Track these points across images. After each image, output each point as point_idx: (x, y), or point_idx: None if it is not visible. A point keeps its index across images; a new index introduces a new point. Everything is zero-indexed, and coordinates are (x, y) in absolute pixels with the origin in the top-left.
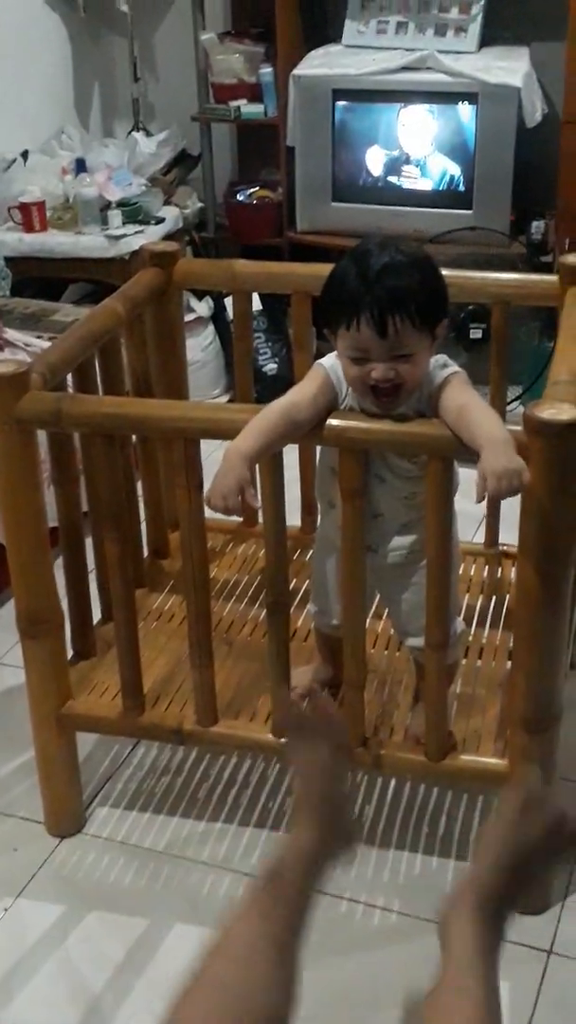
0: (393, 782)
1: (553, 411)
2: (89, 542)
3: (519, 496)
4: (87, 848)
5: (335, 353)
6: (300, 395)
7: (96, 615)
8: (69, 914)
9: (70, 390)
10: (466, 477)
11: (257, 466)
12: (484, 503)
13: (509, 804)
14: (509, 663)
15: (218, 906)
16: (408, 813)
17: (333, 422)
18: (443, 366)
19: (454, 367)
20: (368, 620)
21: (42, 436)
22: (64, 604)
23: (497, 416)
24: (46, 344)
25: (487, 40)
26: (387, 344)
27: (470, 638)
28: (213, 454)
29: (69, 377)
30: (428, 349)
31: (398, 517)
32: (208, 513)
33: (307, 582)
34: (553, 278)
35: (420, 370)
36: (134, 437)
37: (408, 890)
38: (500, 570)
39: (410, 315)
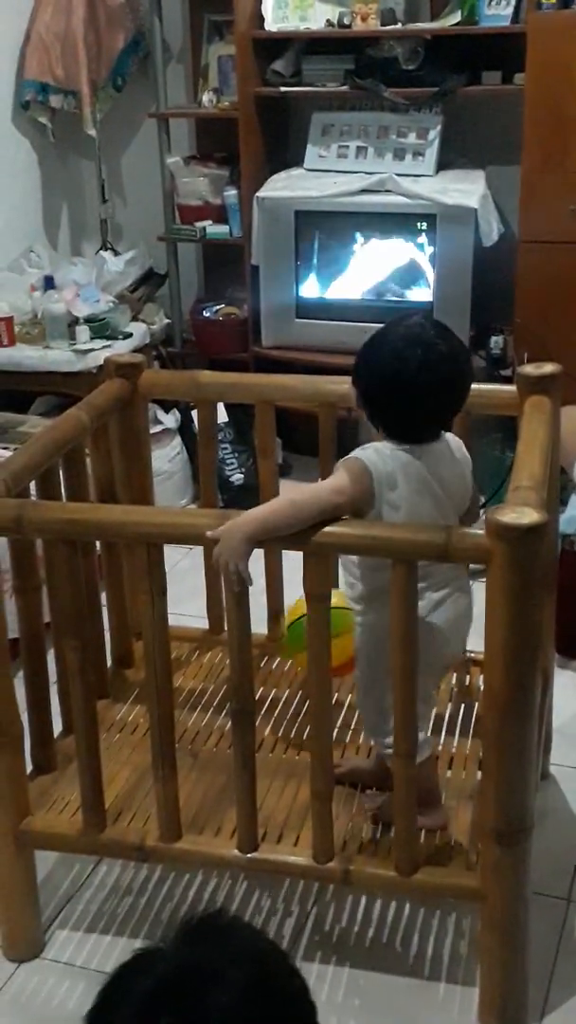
0: (363, 898)
1: (515, 515)
2: (51, 654)
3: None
4: (46, 973)
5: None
6: None
7: (57, 727)
8: None
9: (33, 498)
10: None
11: (221, 574)
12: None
13: None
14: (479, 773)
15: None
16: (379, 931)
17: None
18: (360, 449)
19: (357, 454)
20: (335, 732)
21: (3, 546)
22: (24, 717)
23: (288, 502)
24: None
25: (444, 164)
26: None
27: (439, 747)
28: (179, 564)
29: (33, 485)
30: (353, 394)
31: None
32: (172, 620)
33: (273, 691)
34: (512, 388)
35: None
36: (98, 545)
37: (380, 1013)
38: (468, 677)
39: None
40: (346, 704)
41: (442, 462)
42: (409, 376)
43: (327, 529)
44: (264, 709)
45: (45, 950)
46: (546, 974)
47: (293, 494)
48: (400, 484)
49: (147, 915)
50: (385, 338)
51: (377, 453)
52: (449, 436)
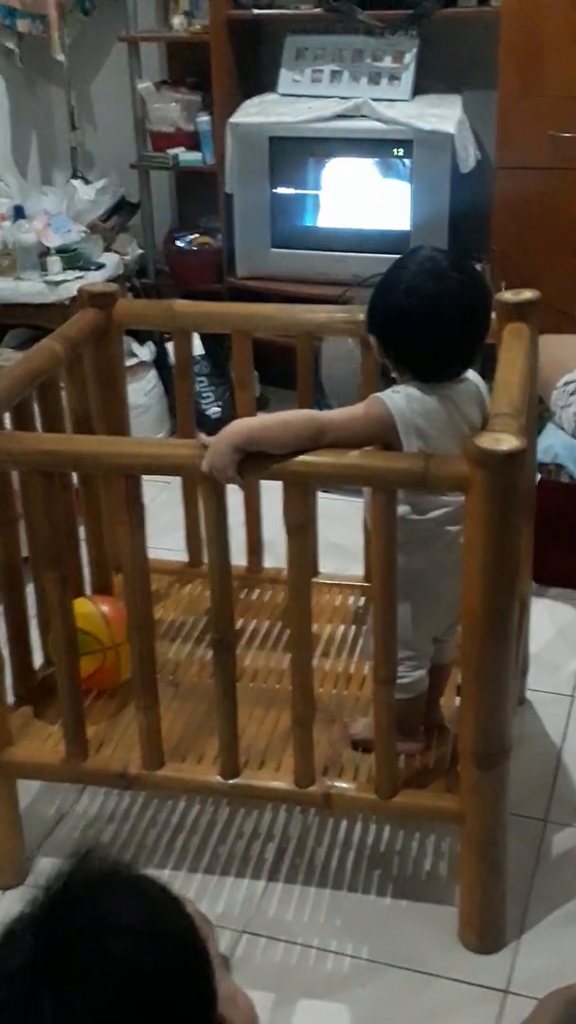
0: (344, 823)
1: (494, 442)
2: (31, 588)
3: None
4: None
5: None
6: None
7: (38, 660)
8: None
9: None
10: None
11: (200, 503)
12: None
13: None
14: (458, 698)
15: None
16: (360, 854)
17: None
18: (391, 391)
19: (384, 397)
20: (316, 659)
21: None
22: (4, 649)
23: (281, 419)
24: None
25: (420, 88)
26: None
27: None
28: (157, 498)
29: (7, 418)
30: (373, 344)
31: None
32: (151, 554)
33: (254, 622)
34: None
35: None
36: (75, 477)
37: (362, 933)
38: None
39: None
40: (324, 637)
41: (470, 401)
42: (428, 309)
43: (305, 459)
44: (244, 640)
45: (29, 877)
46: (524, 892)
47: (290, 413)
48: (428, 432)
49: (131, 841)
50: (397, 276)
51: (407, 400)
52: (472, 374)
